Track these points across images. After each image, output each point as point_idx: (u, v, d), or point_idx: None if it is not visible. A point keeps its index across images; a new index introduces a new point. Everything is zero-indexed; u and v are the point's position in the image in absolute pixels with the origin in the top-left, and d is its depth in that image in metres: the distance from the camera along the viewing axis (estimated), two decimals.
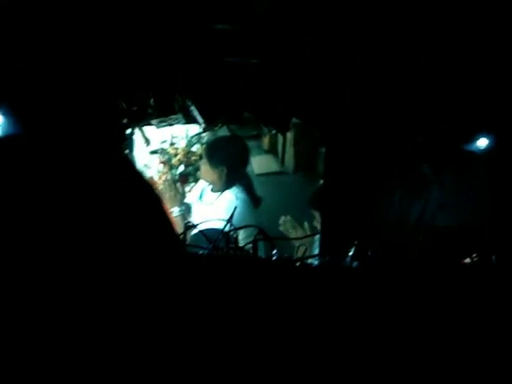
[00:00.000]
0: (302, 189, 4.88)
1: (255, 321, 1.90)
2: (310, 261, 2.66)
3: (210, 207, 3.80)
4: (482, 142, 3.17)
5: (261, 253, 2.55)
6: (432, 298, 2.06)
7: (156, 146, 5.02)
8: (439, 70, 2.98)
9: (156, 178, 4.58)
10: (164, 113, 3.20)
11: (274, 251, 2.43)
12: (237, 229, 2.52)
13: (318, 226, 3.43)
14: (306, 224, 3.52)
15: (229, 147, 3.95)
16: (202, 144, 4.91)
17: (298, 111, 3.21)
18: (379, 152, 3.15)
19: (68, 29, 2.74)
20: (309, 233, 3.45)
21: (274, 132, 6.41)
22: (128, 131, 3.45)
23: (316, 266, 2.57)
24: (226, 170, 3.79)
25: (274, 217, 3.73)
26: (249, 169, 4.43)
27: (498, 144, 3.11)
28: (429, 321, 1.99)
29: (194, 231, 2.79)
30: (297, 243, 3.20)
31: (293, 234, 3.51)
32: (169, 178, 3.98)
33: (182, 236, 2.54)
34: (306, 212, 3.66)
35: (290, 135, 6.31)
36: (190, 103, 3.15)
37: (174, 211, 3.78)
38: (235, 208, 2.93)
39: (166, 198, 3.82)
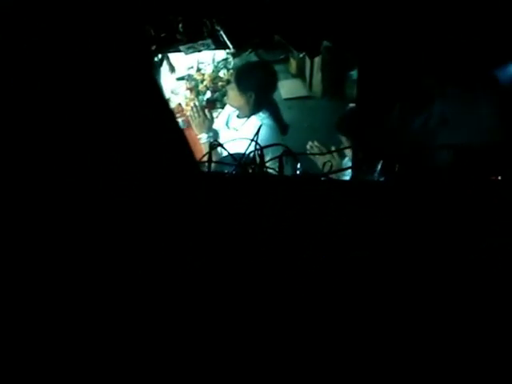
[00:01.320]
0: (329, 114, 4.85)
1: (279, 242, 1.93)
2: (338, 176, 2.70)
3: (237, 133, 3.80)
4: None
5: (288, 172, 2.56)
6: (460, 217, 2.06)
7: (182, 73, 5.01)
8: None
9: (183, 105, 4.61)
10: (193, 38, 3.17)
11: (298, 165, 2.44)
12: (263, 148, 2.52)
13: (346, 152, 3.44)
14: (333, 148, 3.52)
15: (258, 73, 3.92)
16: (229, 69, 4.89)
17: (329, 34, 3.16)
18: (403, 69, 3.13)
19: None
20: (336, 158, 3.45)
21: (301, 56, 6.34)
22: (156, 58, 3.44)
23: (342, 180, 2.59)
24: (253, 96, 3.78)
25: (301, 142, 3.72)
26: (276, 93, 4.41)
27: None
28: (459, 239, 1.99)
29: (223, 155, 2.81)
30: (323, 162, 3.24)
31: (320, 159, 3.52)
32: (196, 104, 3.95)
33: (207, 156, 2.55)
34: (333, 137, 3.64)
35: (317, 59, 6.22)
36: (219, 28, 3.12)
37: (202, 137, 3.80)
38: (260, 126, 2.95)
39: (195, 124, 3.85)
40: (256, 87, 3.80)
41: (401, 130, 3.26)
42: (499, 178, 2.65)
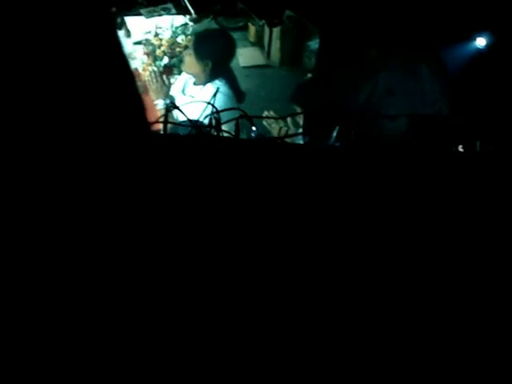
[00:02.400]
0: (286, 83, 4.86)
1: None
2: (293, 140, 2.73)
3: (193, 100, 3.75)
4: (481, 42, 3.18)
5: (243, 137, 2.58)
6: (414, 181, 2.11)
7: (140, 37, 4.94)
8: None
9: (140, 70, 4.56)
10: (154, 2, 3.13)
11: (254, 129, 2.46)
12: (219, 111, 2.53)
13: (301, 122, 3.47)
14: (288, 119, 3.55)
15: (216, 41, 3.93)
16: (187, 35, 4.84)
17: (292, 4, 3.17)
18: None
19: None
20: (291, 127, 3.49)
21: (261, 24, 6.31)
22: (117, 21, 3.40)
23: (298, 144, 2.63)
24: (210, 64, 3.78)
25: (257, 111, 3.74)
26: (234, 61, 4.40)
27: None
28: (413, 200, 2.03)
29: (179, 120, 2.79)
30: (278, 127, 3.27)
31: (275, 128, 3.55)
32: (154, 69, 3.91)
33: (163, 118, 2.54)
34: (290, 106, 3.67)
35: (276, 29, 6.22)
36: None
37: (159, 103, 3.78)
38: (217, 89, 2.95)
39: (152, 89, 3.82)
40: (213, 55, 3.80)
41: (349, 99, 3.33)
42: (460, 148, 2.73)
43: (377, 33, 3.22)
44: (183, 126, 2.40)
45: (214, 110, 2.46)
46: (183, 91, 4.03)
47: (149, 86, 3.85)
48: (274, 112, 3.64)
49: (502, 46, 3.13)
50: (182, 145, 2.17)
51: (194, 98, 3.79)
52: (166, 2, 3.16)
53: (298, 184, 2.00)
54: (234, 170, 2.01)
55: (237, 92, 3.91)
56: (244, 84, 4.18)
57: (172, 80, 4.27)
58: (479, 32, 3.20)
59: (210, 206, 1.88)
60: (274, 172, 2.03)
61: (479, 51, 3.24)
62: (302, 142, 2.80)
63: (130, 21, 4.69)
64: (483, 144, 2.68)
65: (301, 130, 3.49)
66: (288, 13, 3.34)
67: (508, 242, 1.93)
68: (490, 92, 3.16)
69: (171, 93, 3.94)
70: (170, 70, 4.65)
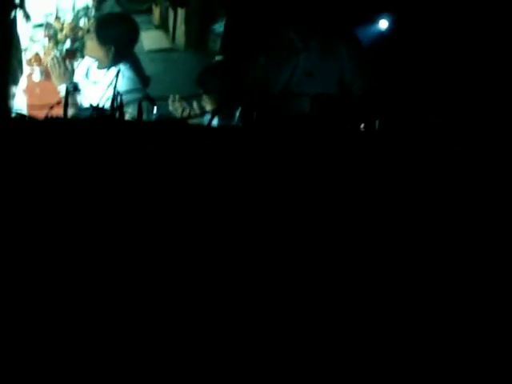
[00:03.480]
0: (192, 67, 4.87)
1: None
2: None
3: (97, 85, 3.74)
4: (384, 24, 3.29)
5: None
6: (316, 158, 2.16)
7: (40, 20, 4.81)
8: None
9: (42, 54, 4.45)
10: None
11: (155, 110, 2.46)
12: (120, 94, 2.52)
13: (207, 107, 3.50)
14: (194, 103, 3.56)
15: (118, 25, 3.84)
16: (90, 18, 4.75)
17: None
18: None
19: None
20: (197, 110, 3.50)
21: (165, 7, 6.27)
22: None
23: (200, 124, 2.65)
24: (113, 48, 3.72)
25: (163, 95, 3.73)
26: (138, 45, 4.35)
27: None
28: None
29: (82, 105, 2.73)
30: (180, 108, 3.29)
31: (180, 111, 3.54)
32: (57, 54, 3.82)
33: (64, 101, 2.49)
34: (196, 91, 3.68)
35: (181, 11, 6.19)
36: None
37: (62, 90, 3.69)
38: (119, 70, 2.93)
39: (54, 75, 3.72)
40: (116, 40, 3.73)
41: (267, 81, 3.39)
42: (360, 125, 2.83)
43: (295, 15, 3.29)
44: (84, 109, 2.38)
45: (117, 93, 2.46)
46: (87, 75, 3.96)
47: (51, 72, 3.74)
48: (180, 96, 3.63)
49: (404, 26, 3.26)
50: (83, 129, 2.14)
51: (98, 83, 3.74)
52: None
53: (201, 165, 2.02)
54: (135, 152, 2.01)
55: (141, 76, 3.88)
56: (149, 68, 4.16)
57: (75, 64, 4.18)
58: (383, 14, 3.32)
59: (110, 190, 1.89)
60: (176, 154, 2.04)
61: (384, 32, 3.36)
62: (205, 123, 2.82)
63: (30, 1, 4.56)
64: (382, 122, 2.80)
65: (206, 117, 3.52)
66: None
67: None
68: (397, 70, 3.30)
69: (74, 78, 3.86)
70: (72, 54, 4.55)
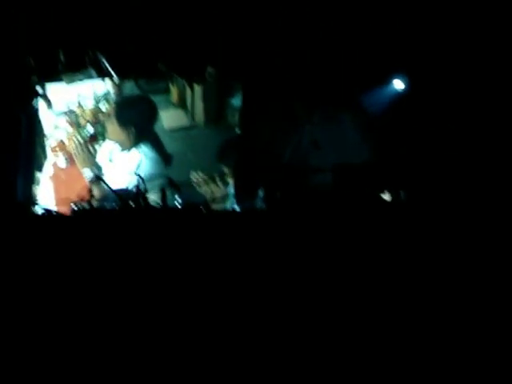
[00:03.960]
0: (213, 142, 4.90)
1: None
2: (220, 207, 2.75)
3: (120, 167, 3.76)
4: (399, 84, 3.29)
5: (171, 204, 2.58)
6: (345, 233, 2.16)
7: (62, 107, 4.92)
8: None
9: (65, 141, 4.53)
10: (75, 67, 3.12)
11: (178, 199, 2.47)
12: (144, 181, 2.53)
13: (229, 181, 3.50)
14: (217, 178, 3.57)
15: (137, 107, 3.89)
16: (110, 103, 4.85)
17: (212, 59, 3.21)
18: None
19: None
20: (220, 186, 3.51)
21: (182, 85, 6.39)
22: (38, 89, 3.37)
23: (224, 210, 2.65)
24: (134, 130, 3.77)
25: (185, 172, 3.75)
26: (158, 124, 4.41)
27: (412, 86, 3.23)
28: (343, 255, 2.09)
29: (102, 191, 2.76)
30: (207, 195, 3.29)
31: (203, 188, 3.54)
32: (79, 139, 3.88)
33: (89, 192, 2.53)
34: (217, 165, 3.70)
35: (198, 88, 6.31)
36: (101, 57, 3.09)
37: (87, 173, 3.73)
38: (140, 160, 2.95)
39: (78, 160, 3.76)
40: (135, 121, 3.78)
41: (275, 155, 3.39)
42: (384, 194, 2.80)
43: (299, 87, 3.31)
44: (108, 201, 2.39)
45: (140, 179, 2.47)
46: (110, 158, 4.01)
47: (75, 157, 3.80)
48: (202, 172, 3.65)
49: (418, 87, 3.26)
50: (109, 220, 2.18)
51: (121, 165, 3.78)
52: (86, 67, 3.15)
53: (228, 252, 2.03)
54: (162, 241, 2.03)
55: (163, 155, 3.92)
56: (170, 147, 4.20)
57: (98, 148, 4.24)
58: (396, 75, 3.31)
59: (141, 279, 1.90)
60: (201, 241, 2.06)
61: (398, 93, 3.35)
62: (229, 205, 2.82)
63: (52, 91, 4.68)
64: (407, 192, 2.77)
65: (229, 188, 3.52)
66: (209, 69, 3.40)
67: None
68: (410, 135, 3.28)
69: (98, 161, 3.91)
70: (94, 138, 4.62)
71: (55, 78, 3.24)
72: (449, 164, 3.06)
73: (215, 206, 2.73)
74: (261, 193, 2.79)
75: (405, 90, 3.33)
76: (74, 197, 3.73)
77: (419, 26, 3.08)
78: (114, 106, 4.29)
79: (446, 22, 3.05)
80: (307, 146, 3.40)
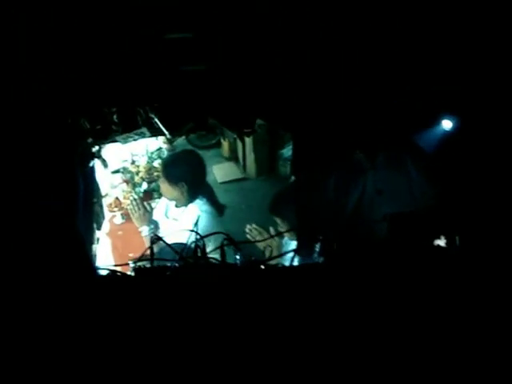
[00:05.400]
0: (265, 193, 4.94)
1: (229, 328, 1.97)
2: (278, 261, 2.75)
3: (177, 223, 3.79)
4: (448, 124, 3.26)
5: (230, 259, 2.58)
6: (403, 285, 2.14)
7: (117, 166, 5.04)
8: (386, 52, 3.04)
9: (121, 198, 4.62)
10: (128, 128, 3.18)
11: (238, 256, 2.47)
12: (202, 237, 2.54)
13: (284, 233, 3.49)
14: (271, 229, 3.57)
15: (184, 162, 3.92)
16: (163, 159, 4.94)
17: (261, 112, 3.23)
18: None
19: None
20: (276, 239, 3.49)
21: (233, 139, 6.49)
22: (94, 150, 3.45)
23: (282, 266, 2.64)
24: (185, 186, 3.79)
25: (240, 224, 3.75)
26: (211, 178, 4.45)
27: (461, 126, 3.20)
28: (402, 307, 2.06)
29: (160, 246, 2.80)
30: (262, 246, 3.29)
31: (259, 238, 3.53)
32: (135, 197, 3.92)
33: (149, 250, 2.55)
34: (271, 216, 3.70)
35: (248, 141, 6.40)
36: (153, 115, 3.15)
37: (144, 230, 3.76)
38: (198, 217, 2.97)
39: (135, 218, 3.79)
40: (185, 177, 3.81)
41: (338, 206, 3.36)
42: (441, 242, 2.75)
43: (358, 135, 3.31)
44: (168, 260, 2.41)
45: (198, 236, 2.48)
46: (166, 214, 4.04)
47: (131, 214, 3.83)
48: (256, 224, 3.65)
49: (467, 127, 3.22)
50: (170, 277, 2.20)
51: (178, 221, 3.81)
52: (139, 127, 3.22)
53: (285, 307, 2.03)
54: (223, 298, 2.04)
55: (217, 206, 3.94)
56: (223, 199, 4.22)
57: (154, 204, 4.29)
58: (444, 115, 3.28)
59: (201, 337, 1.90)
60: (262, 297, 2.06)
61: (446, 133, 3.30)
62: (287, 260, 2.80)
63: (107, 150, 4.81)
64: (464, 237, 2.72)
65: (285, 240, 3.51)
66: (259, 121, 3.42)
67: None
68: (465, 174, 3.22)
69: (154, 217, 3.93)
70: (149, 195, 4.71)
71: (110, 138, 3.31)
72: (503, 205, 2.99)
73: (273, 262, 2.70)
74: (317, 246, 2.77)
75: (454, 130, 3.29)
76: (131, 252, 3.80)
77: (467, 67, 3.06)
78: (161, 165, 4.34)
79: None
80: (371, 193, 3.36)
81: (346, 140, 3.29)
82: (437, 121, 3.28)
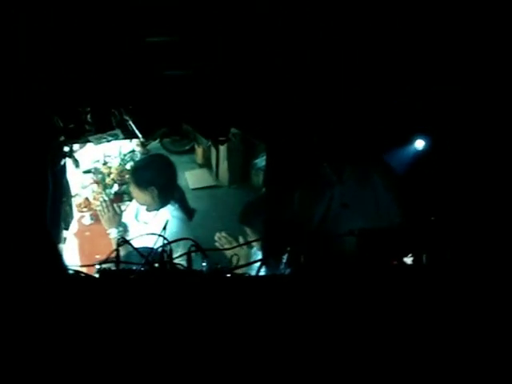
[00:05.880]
0: (236, 202, 4.94)
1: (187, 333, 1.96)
2: (245, 270, 2.74)
3: (147, 226, 3.76)
4: (420, 144, 3.28)
5: (198, 265, 2.57)
6: (367, 300, 2.15)
7: (89, 166, 4.99)
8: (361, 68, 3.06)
9: (91, 199, 4.57)
10: (101, 129, 3.15)
11: (204, 263, 2.46)
12: (170, 242, 2.52)
13: (253, 243, 3.48)
14: (241, 239, 3.56)
15: (153, 167, 3.89)
16: (135, 162, 4.91)
17: (236, 120, 3.22)
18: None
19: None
20: (244, 248, 3.48)
21: (207, 145, 6.49)
22: (66, 149, 3.41)
23: (247, 275, 2.63)
24: (156, 191, 3.76)
25: (209, 232, 3.74)
26: (183, 183, 4.43)
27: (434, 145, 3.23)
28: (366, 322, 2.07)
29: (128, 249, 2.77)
30: (230, 255, 3.28)
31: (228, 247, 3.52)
32: (105, 199, 3.87)
33: (115, 253, 2.53)
34: (241, 226, 3.69)
35: (223, 148, 6.41)
36: (127, 117, 3.12)
37: (112, 232, 3.73)
38: (167, 222, 2.95)
39: (104, 219, 3.75)
40: (155, 181, 3.77)
41: (303, 219, 3.36)
42: (405, 260, 2.77)
43: (327, 148, 3.32)
44: (135, 263, 2.39)
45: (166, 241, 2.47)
46: (136, 217, 4.00)
47: (100, 216, 3.79)
48: (226, 232, 3.62)
49: (439, 147, 3.24)
50: (135, 281, 2.18)
51: (148, 224, 3.78)
52: (113, 128, 3.19)
53: (249, 317, 2.03)
54: (186, 304, 2.03)
55: (187, 211, 3.92)
56: (195, 206, 4.20)
57: (124, 207, 4.24)
58: (418, 134, 3.30)
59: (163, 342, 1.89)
60: (226, 305, 2.06)
61: (418, 153, 3.33)
62: (254, 270, 2.79)
63: (79, 149, 4.76)
64: (430, 255, 2.74)
65: (254, 250, 3.50)
66: (233, 130, 3.41)
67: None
68: (434, 194, 3.25)
69: (124, 220, 3.89)
70: (120, 197, 4.66)
71: (82, 138, 3.27)
72: (475, 224, 3.03)
73: (239, 270, 2.70)
74: (284, 257, 2.77)
75: (426, 150, 3.32)
76: (98, 253, 3.76)
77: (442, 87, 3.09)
78: (130, 170, 4.29)
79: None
80: (337, 207, 3.37)
81: (313, 152, 3.30)
82: (409, 140, 3.31)
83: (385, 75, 3.01)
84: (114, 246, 3.38)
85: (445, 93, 3.02)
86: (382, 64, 2.96)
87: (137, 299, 2.02)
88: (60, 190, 3.40)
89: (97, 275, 2.31)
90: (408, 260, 2.78)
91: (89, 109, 3.08)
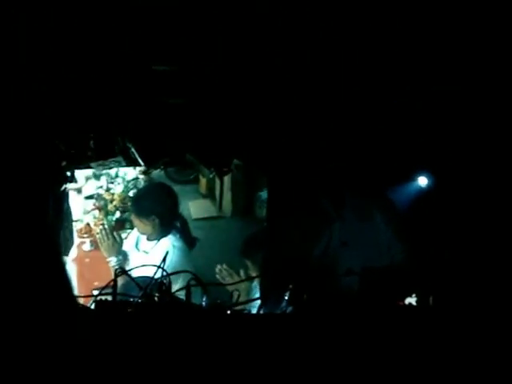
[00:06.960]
0: (239, 233, 4.90)
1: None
2: (245, 307, 2.69)
3: (147, 256, 3.69)
4: (423, 181, 3.25)
5: (197, 299, 2.52)
6: (368, 340, 2.10)
7: (92, 191, 4.97)
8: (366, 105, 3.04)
9: (92, 225, 4.53)
10: (104, 155, 3.12)
11: (204, 298, 2.41)
12: (169, 274, 2.47)
13: (253, 275, 3.44)
14: (241, 272, 3.51)
15: (154, 196, 3.82)
16: (137, 190, 4.88)
17: (239, 152, 3.21)
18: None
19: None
20: (245, 282, 3.42)
21: (211, 176, 6.47)
22: (68, 173, 3.38)
23: (248, 312, 2.58)
24: (157, 220, 3.69)
25: (211, 263, 3.69)
26: (186, 213, 4.39)
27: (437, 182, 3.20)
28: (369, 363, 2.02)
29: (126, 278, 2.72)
30: (230, 289, 3.22)
31: (229, 281, 3.47)
32: (106, 226, 3.78)
33: (112, 283, 2.48)
34: (242, 259, 3.64)
35: (227, 179, 6.39)
36: (130, 145, 3.09)
37: (111, 261, 3.66)
38: (167, 253, 2.90)
39: (103, 247, 3.67)
40: (156, 210, 3.70)
41: (303, 255, 3.31)
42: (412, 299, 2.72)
43: (327, 183, 3.29)
44: (130, 296, 2.33)
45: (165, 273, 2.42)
46: (137, 246, 3.93)
47: (100, 243, 3.72)
48: (227, 265, 3.57)
49: (442, 185, 3.21)
50: (132, 314, 2.13)
51: (149, 254, 3.71)
52: (115, 155, 3.15)
53: (247, 356, 1.98)
54: (184, 340, 1.98)
55: (188, 240, 3.86)
56: (197, 235, 4.14)
57: (124, 235, 4.18)
58: (420, 172, 3.27)
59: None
60: (224, 342, 2.01)
61: (422, 190, 3.30)
62: (254, 307, 2.74)
63: (81, 174, 4.74)
64: (437, 296, 2.69)
65: (254, 284, 3.44)
66: (236, 161, 3.38)
67: None
68: (438, 231, 3.20)
69: (124, 248, 3.81)
70: (121, 225, 4.62)
71: (84, 164, 3.24)
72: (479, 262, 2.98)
73: (240, 307, 2.64)
74: (286, 296, 2.71)
75: (429, 187, 3.28)
76: (97, 281, 3.69)
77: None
78: (131, 199, 4.24)
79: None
80: (336, 246, 3.33)
81: (312, 187, 3.27)
82: (413, 176, 3.29)
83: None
84: (113, 276, 3.33)
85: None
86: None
87: (133, 333, 1.97)
88: (60, 216, 3.35)
89: (93, 306, 2.25)
90: (412, 300, 2.73)
91: (92, 135, 3.06)
